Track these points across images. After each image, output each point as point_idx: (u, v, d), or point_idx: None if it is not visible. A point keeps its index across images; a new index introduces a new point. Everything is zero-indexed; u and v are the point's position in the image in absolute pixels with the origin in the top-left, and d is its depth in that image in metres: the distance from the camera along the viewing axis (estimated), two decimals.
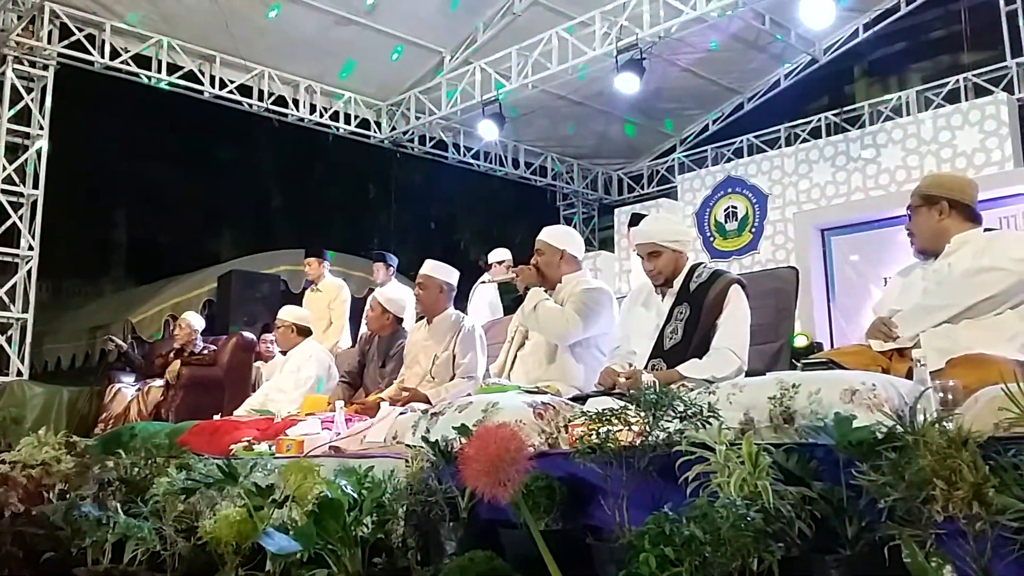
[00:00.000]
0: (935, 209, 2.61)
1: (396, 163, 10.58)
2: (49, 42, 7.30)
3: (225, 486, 2.64)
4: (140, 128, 11.95)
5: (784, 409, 1.99)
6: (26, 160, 7.26)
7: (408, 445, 2.63)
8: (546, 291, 3.39)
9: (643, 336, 3.00)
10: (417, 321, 4.43)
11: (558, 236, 3.51)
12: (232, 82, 8.28)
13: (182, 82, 7.98)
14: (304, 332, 5.18)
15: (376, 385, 4.39)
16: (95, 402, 6.33)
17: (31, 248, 7.19)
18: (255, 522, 2.38)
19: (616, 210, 9.76)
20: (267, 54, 8.33)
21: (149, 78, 7.81)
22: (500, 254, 6.36)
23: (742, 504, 1.57)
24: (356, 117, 9.26)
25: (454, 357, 3.96)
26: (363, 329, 6.62)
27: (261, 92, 8.49)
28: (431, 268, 4.14)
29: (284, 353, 5.30)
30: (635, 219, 6.96)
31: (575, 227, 11.38)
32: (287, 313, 5.24)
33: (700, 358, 2.79)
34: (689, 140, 10.64)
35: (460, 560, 1.97)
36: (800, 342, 4.05)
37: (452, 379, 3.92)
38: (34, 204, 7.24)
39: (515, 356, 3.51)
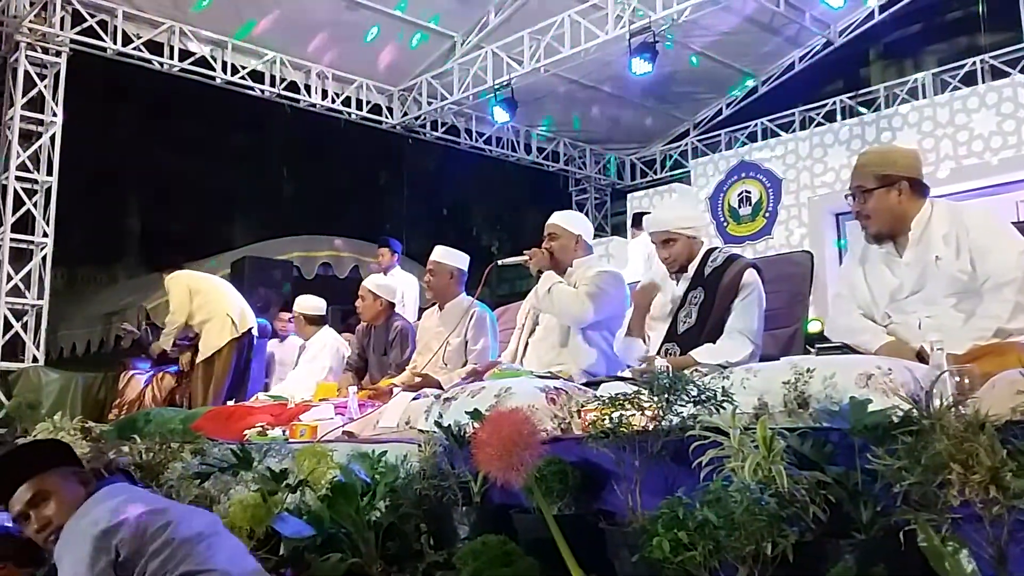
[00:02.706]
0: (894, 190, 2.44)
1: (408, 149, 10.55)
2: (61, 28, 7.32)
3: (239, 471, 2.66)
4: (153, 114, 11.98)
5: (799, 394, 1.98)
6: (40, 147, 7.29)
7: (421, 430, 2.63)
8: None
9: (657, 320, 2.99)
10: (428, 307, 4.43)
11: (572, 221, 3.50)
12: (244, 68, 8.28)
13: (194, 68, 7.98)
14: (314, 321, 5.25)
15: (382, 374, 4.39)
16: (110, 388, 6.38)
17: (46, 235, 7.24)
18: (269, 506, 2.40)
19: (629, 195, 9.72)
20: (279, 39, 8.32)
21: (161, 64, 7.82)
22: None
23: (756, 488, 1.57)
24: (368, 103, 9.24)
25: (466, 343, 3.96)
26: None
27: (273, 78, 8.48)
28: (441, 254, 4.14)
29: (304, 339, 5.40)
30: (637, 219, 6.97)
31: (587, 212, 11.35)
32: (297, 304, 5.36)
33: (714, 342, 2.78)
34: (703, 124, 10.56)
35: (473, 544, 1.98)
36: (814, 327, 4.01)
37: (464, 365, 3.92)
38: (48, 191, 7.28)
39: (527, 343, 3.50)
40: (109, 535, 1.72)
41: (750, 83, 9.87)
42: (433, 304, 4.28)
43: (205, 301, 5.74)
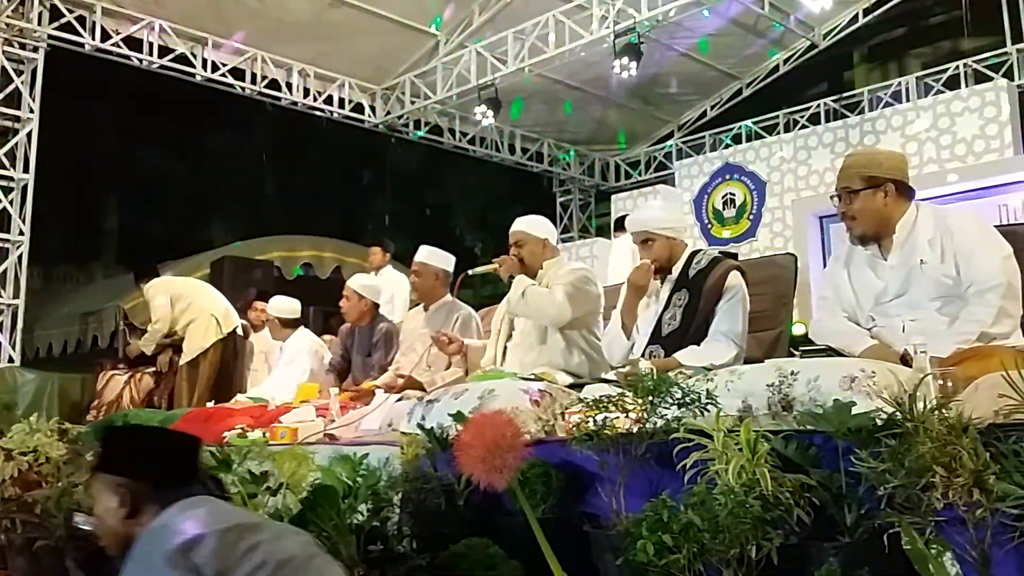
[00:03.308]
0: (880, 192, 2.44)
1: (391, 148, 10.52)
2: (39, 24, 7.23)
3: (219, 473, 2.62)
4: (132, 112, 11.88)
5: (783, 396, 1.98)
6: (16, 144, 7.19)
7: (404, 432, 2.61)
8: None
9: (641, 322, 2.98)
10: (412, 308, 4.40)
11: (537, 225, 3.49)
12: (224, 65, 8.21)
13: (174, 65, 7.90)
14: (289, 324, 5.19)
15: (365, 376, 4.36)
16: (87, 389, 6.30)
17: (22, 233, 7.14)
18: (249, 509, 2.36)
19: (613, 197, 9.73)
20: (260, 37, 8.26)
21: (140, 60, 7.74)
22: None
23: (740, 491, 1.56)
24: (350, 101, 9.19)
25: None
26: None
27: (254, 75, 8.41)
28: (427, 255, 4.11)
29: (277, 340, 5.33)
30: (620, 222, 6.96)
31: (571, 213, 11.38)
32: (271, 306, 5.28)
33: (698, 344, 2.78)
34: (687, 126, 10.60)
35: (456, 547, 1.96)
36: (798, 330, 4.03)
37: (448, 367, 3.90)
38: (24, 188, 7.18)
39: (504, 348, 3.49)
40: (188, 550, 1.47)
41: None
42: (418, 304, 4.25)
43: (187, 305, 5.69)
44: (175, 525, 1.53)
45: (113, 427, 1.82)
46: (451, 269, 4.14)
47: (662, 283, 3.01)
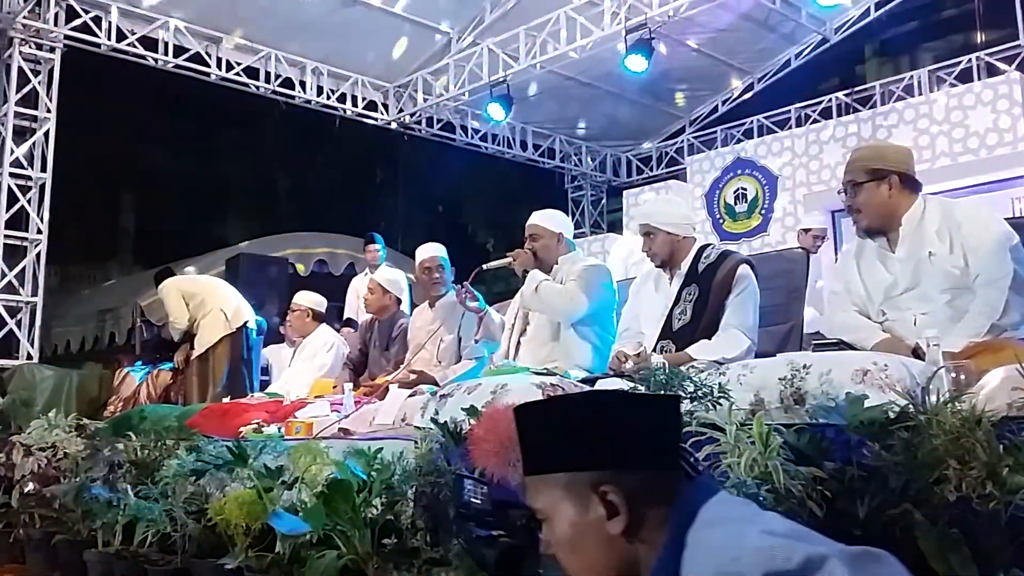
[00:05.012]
0: (884, 184, 2.45)
1: (403, 145, 10.54)
2: (55, 24, 7.28)
3: (235, 468, 2.66)
4: (147, 111, 11.98)
5: (795, 390, 1.97)
6: (34, 143, 7.25)
7: (417, 427, 2.63)
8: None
9: (652, 318, 2.99)
10: (419, 305, 4.43)
11: (553, 219, 3.49)
12: (239, 64, 8.26)
13: (189, 64, 7.95)
14: (318, 317, 5.19)
15: (381, 370, 4.38)
16: (104, 385, 6.36)
17: (40, 232, 7.20)
18: (265, 503, 2.40)
19: (625, 192, 9.72)
20: (273, 35, 8.30)
21: (156, 60, 7.79)
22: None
23: (752, 484, 1.57)
24: (363, 99, 9.22)
25: (459, 340, 3.96)
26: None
27: (268, 74, 8.45)
28: (443, 250, 4.16)
29: (300, 338, 5.31)
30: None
31: (583, 209, 11.37)
32: (303, 298, 5.25)
33: (708, 339, 2.78)
34: (699, 121, 10.57)
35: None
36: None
37: (459, 362, 3.92)
38: (43, 187, 7.24)
39: (518, 342, 3.50)
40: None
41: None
42: (423, 301, 4.28)
43: (200, 302, 5.72)
44: (736, 547, 0.96)
45: (552, 402, 1.17)
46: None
47: (672, 278, 3.01)
